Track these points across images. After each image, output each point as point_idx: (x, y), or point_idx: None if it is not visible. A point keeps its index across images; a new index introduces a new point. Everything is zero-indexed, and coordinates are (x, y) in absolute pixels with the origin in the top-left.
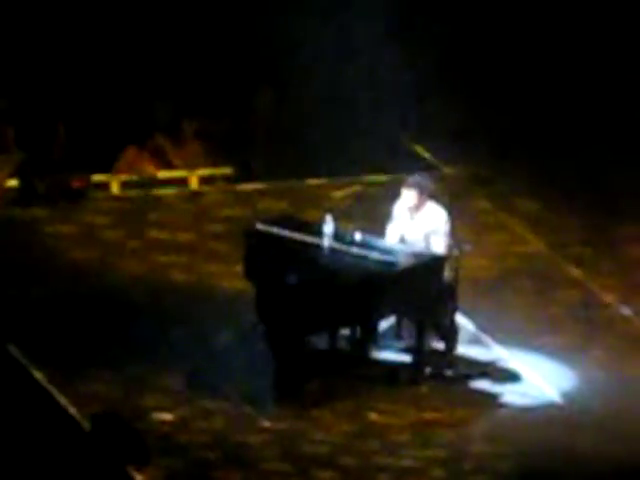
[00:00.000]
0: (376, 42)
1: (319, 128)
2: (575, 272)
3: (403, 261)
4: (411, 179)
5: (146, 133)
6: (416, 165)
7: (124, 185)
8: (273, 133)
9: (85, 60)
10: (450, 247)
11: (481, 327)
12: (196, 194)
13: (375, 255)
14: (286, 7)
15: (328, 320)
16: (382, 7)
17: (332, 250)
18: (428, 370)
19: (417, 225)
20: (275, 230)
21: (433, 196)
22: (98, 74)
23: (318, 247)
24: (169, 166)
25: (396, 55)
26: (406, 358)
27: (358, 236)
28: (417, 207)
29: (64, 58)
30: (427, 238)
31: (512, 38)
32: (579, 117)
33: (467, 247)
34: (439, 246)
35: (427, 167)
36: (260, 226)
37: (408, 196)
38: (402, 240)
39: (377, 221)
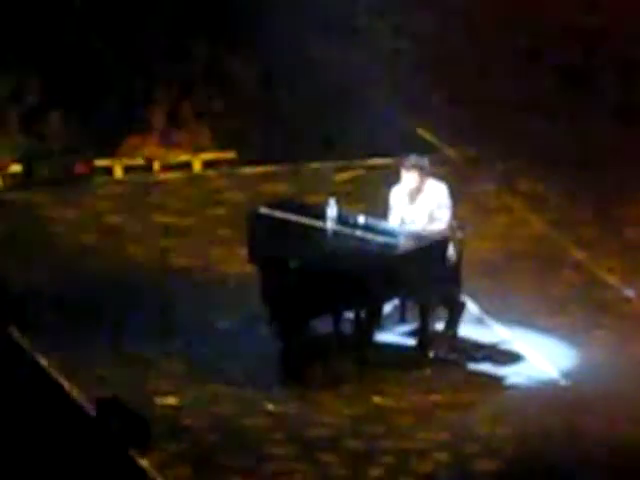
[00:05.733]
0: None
1: (317, 110)
2: (578, 254)
3: (406, 243)
4: (409, 161)
5: (146, 116)
6: (418, 147)
7: (127, 169)
8: (266, 114)
9: (88, 46)
10: (453, 227)
11: (485, 309)
12: (199, 178)
13: (378, 238)
14: None
15: (332, 303)
16: None
17: (335, 233)
18: (432, 353)
19: (419, 207)
20: (278, 213)
21: (430, 174)
22: (100, 59)
23: (321, 230)
24: (174, 149)
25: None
26: (410, 341)
27: (361, 219)
28: (418, 189)
29: (67, 47)
30: (431, 217)
31: None
32: (578, 96)
33: (468, 228)
34: (443, 219)
35: (429, 149)
36: (264, 210)
37: (409, 178)
38: (403, 224)
39: (380, 204)
